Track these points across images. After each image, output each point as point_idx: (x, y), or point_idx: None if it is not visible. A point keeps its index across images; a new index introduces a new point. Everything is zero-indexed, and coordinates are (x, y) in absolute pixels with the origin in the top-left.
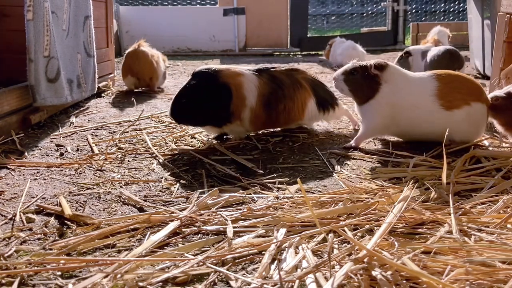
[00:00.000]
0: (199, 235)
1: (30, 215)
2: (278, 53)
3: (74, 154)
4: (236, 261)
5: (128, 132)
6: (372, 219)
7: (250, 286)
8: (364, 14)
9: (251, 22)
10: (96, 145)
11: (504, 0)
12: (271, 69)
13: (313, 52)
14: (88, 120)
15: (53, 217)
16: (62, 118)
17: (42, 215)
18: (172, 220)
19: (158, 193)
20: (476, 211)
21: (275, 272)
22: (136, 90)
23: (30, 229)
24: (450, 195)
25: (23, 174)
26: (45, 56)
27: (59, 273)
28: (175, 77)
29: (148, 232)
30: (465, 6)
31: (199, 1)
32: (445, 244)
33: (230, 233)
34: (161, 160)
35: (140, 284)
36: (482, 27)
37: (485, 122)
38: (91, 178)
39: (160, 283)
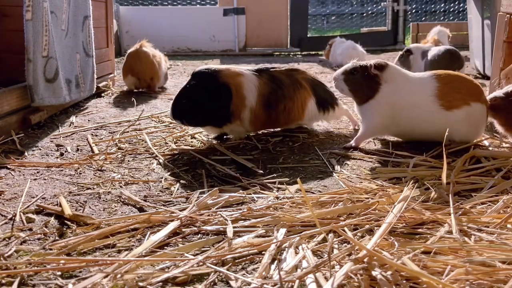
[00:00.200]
0: (199, 235)
1: (30, 215)
2: (278, 53)
3: (74, 154)
4: (236, 261)
5: (128, 132)
6: (372, 219)
7: (250, 286)
8: (364, 14)
9: (251, 22)
10: (96, 145)
11: (504, 0)
12: (271, 69)
13: (313, 52)
14: (88, 120)
15: (53, 217)
16: (62, 118)
17: (42, 215)
18: (172, 220)
19: (158, 193)
20: (476, 211)
21: (275, 272)
22: (136, 90)
23: (30, 229)
24: (450, 195)
25: (23, 174)
26: (43, 56)
27: (59, 273)
28: (175, 77)
29: (148, 232)
30: (465, 6)
31: (199, 1)
32: (445, 244)
33: (230, 233)
34: (161, 160)
35: (140, 284)
36: (482, 27)
37: (485, 122)
38: (91, 178)
39: (160, 283)
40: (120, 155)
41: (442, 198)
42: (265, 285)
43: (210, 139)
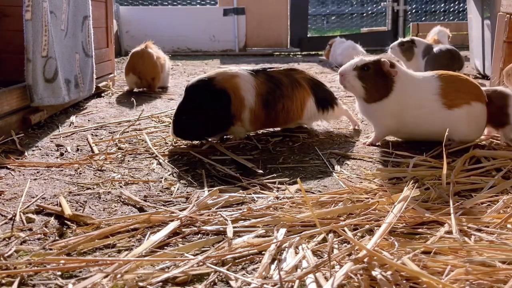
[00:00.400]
0: (199, 235)
1: (30, 215)
2: (278, 53)
3: (74, 154)
4: (236, 261)
5: (128, 132)
6: (372, 219)
7: (250, 286)
8: (364, 14)
9: (251, 22)
10: (96, 145)
11: (504, 0)
12: (268, 69)
13: (313, 52)
14: (88, 120)
15: (53, 217)
16: (62, 118)
17: (42, 215)
18: (172, 220)
19: (158, 193)
20: (476, 211)
21: (275, 272)
22: (136, 90)
23: (30, 229)
24: (450, 195)
25: (23, 174)
26: (43, 56)
27: (59, 273)
28: (175, 77)
29: (148, 232)
30: (465, 6)
31: (199, 1)
32: (445, 244)
33: (230, 233)
34: (161, 160)
35: (140, 284)
36: (482, 27)
37: (485, 122)
38: (91, 178)
39: (160, 283)
40: (120, 155)
41: (442, 198)
42: (265, 285)
43: (210, 139)
